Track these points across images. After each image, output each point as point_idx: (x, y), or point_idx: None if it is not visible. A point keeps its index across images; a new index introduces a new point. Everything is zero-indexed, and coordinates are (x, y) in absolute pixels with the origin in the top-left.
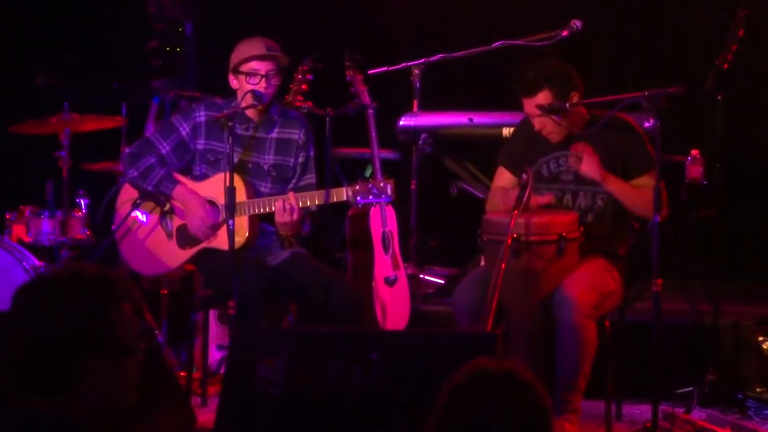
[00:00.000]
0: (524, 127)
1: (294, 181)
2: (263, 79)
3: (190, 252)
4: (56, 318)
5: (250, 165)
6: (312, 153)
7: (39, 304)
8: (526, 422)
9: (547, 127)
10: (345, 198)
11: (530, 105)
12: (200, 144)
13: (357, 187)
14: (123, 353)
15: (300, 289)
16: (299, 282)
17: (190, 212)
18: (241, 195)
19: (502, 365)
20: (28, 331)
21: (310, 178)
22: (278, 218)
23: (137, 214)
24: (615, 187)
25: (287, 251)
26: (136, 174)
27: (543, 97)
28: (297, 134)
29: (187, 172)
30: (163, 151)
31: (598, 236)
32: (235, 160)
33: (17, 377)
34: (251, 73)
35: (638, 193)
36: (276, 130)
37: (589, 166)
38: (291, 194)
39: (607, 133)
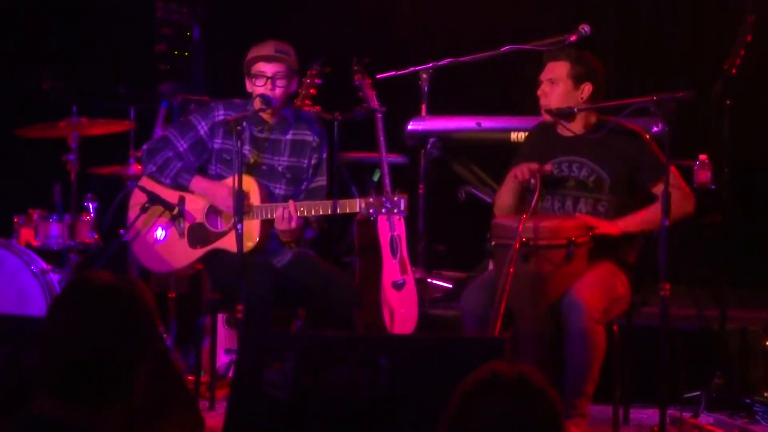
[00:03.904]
0: (533, 134)
1: (305, 183)
2: (269, 81)
3: (200, 251)
4: (116, 327)
5: (264, 167)
6: (324, 155)
7: (97, 310)
8: (537, 427)
9: (544, 98)
10: (358, 210)
11: (546, 68)
12: (217, 143)
13: (371, 199)
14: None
15: (303, 288)
16: (302, 281)
17: (215, 195)
18: (255, 198)
19: (515, 370)
20: (84, 337)
21: (321, 180)
22: (277, 225)
23: (158, 231)
24: (635, 226)
25: (291, 251)
26: (154, 168)
27: (559, 66)
28: (311, 136)
29: (203, 171)
30: (181, 149)
31: (609, 244)
32: (251, 162)
33: (63, 380)
34: (258, 75)
35: (655, 214)
36: (291, 131)
37: (600, 231)
38: (291, 202)
39: (616, 137)
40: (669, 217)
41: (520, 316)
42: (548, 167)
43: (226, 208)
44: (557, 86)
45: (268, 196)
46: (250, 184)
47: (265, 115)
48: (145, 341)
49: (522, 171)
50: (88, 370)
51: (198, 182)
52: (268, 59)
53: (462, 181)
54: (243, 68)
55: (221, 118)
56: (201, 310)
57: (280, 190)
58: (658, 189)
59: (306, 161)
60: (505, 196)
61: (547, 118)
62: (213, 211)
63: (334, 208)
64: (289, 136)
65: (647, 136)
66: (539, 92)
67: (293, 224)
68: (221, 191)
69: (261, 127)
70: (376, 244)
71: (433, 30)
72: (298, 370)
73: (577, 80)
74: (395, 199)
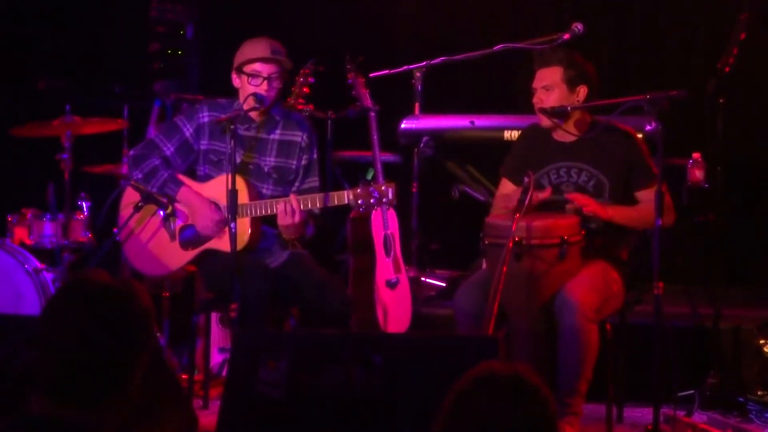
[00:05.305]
0: (526, 136)
1: (297, 184)
2: (264, 82)
3: (192, 253)
4: (112, 328)
5: (251, 166)
6: (315, 156)
7: (93, 311)
8: (532, 426)
9: (541, 106)
10: (346, 201)
11: (538, 76)
12: (203, 144)
13: (358, 190)
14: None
15: (297, 290)
16: (297, 282)
17: (197, 213)
18: (243, 197)
19: (510, 369)
20: (80, 338)
21: (313, 181)
22: (280, 221)
23: (158, 217)
24: (621, 217)
25: (286, 252)
26: (140, 176)
27: (552, 73)
28: (300, 136)
29: (190, 172)
30: (167, 152)
31: (602, 243)
32: (237, 160)
33: (58, 381)
34: (253, 75)
35: (643, 213)
36: (278, 131)
37: (590, 210)
38: (292, 196)
39: (609, 137)
40: (649, 223)
41: (513, 315)
42: (546, 194)
43: (202, 230)
44: (552, 93)
45: (257, 195)
46: (238, 182)
47: (253, 114)
48: (141, 342)
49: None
50: (84, 370)
51: (184, 194)
52: (265, 60)
53: (455, 179)
54: (233, 63)
55: (206, 119)
56: (194, 309)
57: (267, 190)
58: (641, 195)
59: (294, 162)
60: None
61: (545, 123)
62: None
63: (323, 201)
64: (275, 136)
65: (639, 138)
66: (535, 100)
67: (296, 218)
68: (202, 212)
69: (247, 126)
70: (370, 243)
71: (426, 28)
72: (292, 369)
73: (572, 84)
74: (383, 188)
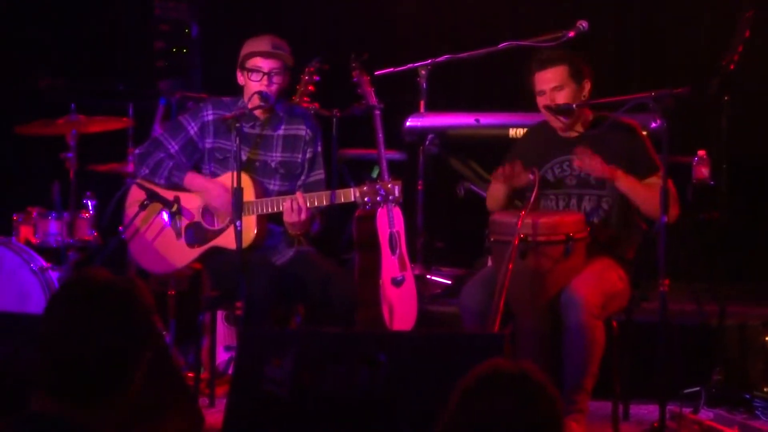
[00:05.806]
0: (530, 136)
1: (303, 177)
2: (265, 77)
3: (198, 251)
4: (113, 326)
5: (257, 163)
6: (319, 149)
7: (94, 309)
8: (538, 424)
9: (553, 104)
10: (353, 199)
11: (543, 78)
12: (208, 143)
13: (365, 188)
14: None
15: (303, 286)
16: (302, 278)
17: (208, 192)
18: (249, 194)
19: (516, 367)
20: (81, 336)
21: (319, 174)
22: (287, 218)
23: (164, 216)
24: (626, 183)
25: (292, 250)
26: (147, 171)
27: (559, 72)
28: (303, 130)
29: (196, 170)
30: (172, 151)
31: (606, 239)
32: (243, 158)
33: (59, 379)
34: (254, 70)
35: (649, 191)
36: (282, 126)
37: (597, 168)
38: (299, 194)
39: (611, 133)
40: (659, 214)
41: (518, 313)
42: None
43: (220, 206)
44: (563, 91)
45: (263, 192)
46: (244, 180)
47: (258, 112)
48: (142, 340)
49: (515, 172)
50: (85, 368)
51: (191, 179)
52: (265, 55)
53: (460, 177)
54: (237, 61)
55: (210, 117)
56: (200, 307)
57: (274, 186)
58: (649, 183)
59: (300, 156)
60: (495, 201)
61: (554, 123)
62: (208, 210)
63: (331, 198)
64: (280, 132)
65: (642, 132)
66: (546, 102)
67: (303, 215)
68: (214, 190)
69: (252, 123)
70: (375, 241)
71: (431, 27)
72: (297, 367)
73: (578, 79)
74: (389, 186)
